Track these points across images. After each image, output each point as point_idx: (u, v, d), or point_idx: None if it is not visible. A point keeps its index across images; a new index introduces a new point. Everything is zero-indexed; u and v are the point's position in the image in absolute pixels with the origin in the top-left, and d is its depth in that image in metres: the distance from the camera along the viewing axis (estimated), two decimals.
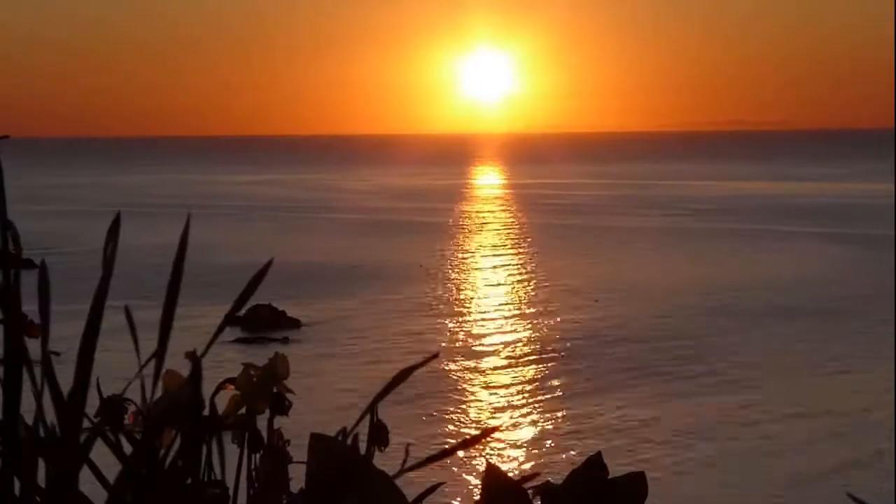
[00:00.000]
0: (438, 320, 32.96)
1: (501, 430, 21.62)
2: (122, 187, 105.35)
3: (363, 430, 2.16)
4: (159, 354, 1.86)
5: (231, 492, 2.08)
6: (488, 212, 75.72)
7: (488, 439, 20.64)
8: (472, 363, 27.33)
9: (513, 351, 29.08)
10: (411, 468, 1.92)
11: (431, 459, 1.84)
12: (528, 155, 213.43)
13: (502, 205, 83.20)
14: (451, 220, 67.41)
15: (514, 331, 31.81)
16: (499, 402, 24.10)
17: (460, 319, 33.20)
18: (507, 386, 25.51)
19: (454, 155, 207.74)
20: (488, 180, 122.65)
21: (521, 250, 52.32)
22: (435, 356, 1.94)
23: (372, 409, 2.10)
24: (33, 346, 1.87)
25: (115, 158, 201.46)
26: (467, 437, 1.84)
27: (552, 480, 2.76)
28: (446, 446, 1.84)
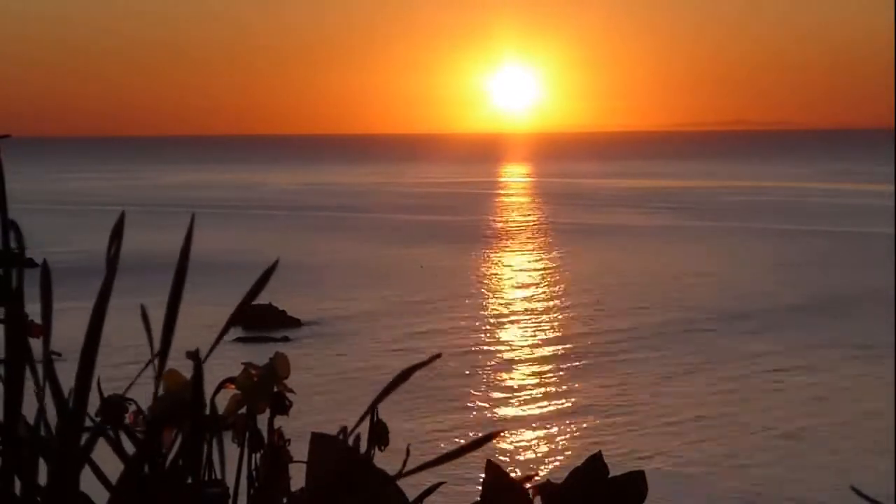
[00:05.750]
0: (439, 320, 32.95)
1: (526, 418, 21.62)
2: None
3: (364, 429, 2.17)
4: (162, 354, 1.86)
5: (231, 491, 2.08)
6: (490, 211, 75.70)
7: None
8: (473, 363, 27.33)
9: (511, 349, 29.08)
10: (410, 472, 1.92)
11: (430, 464, 1.84)
12: (536, 154, 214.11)
13: (503, 204, 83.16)
14: (452, 221, 67.38)
15: (513, 329, 31.80)
16: (499, 401, 24.11)
17: (459, 319, 33.19)
18: (506, 383, 25.52)
19: (476, 154, 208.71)
20: (494, 178, 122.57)
21: (520, 249, 52.30)
22: (437, 356, 1.94)
23: (373, 409, 2.11)
24: (35, 346, 1.87)
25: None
26: (465, 442, 1.83)
27: (552, 479, 2.77)
28: (446, 448, 1.84)
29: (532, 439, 21.32)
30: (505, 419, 22.59)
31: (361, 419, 2.04)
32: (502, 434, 21.11)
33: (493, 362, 27.58)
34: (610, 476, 2.82)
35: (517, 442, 21.11)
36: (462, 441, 1.90)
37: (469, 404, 23.67)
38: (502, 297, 37.66)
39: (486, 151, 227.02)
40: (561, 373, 26.50)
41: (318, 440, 2.32)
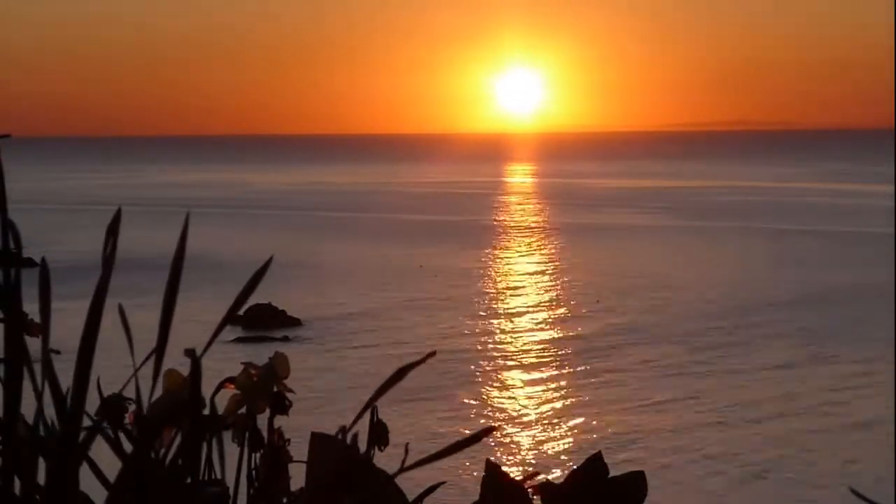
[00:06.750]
0: (439, 319, 32.95)
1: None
2: None
3: (363, 428, 2.17)
4: (158, 353, 1.86)
5: (231, 491, 2.08)
6: (491, 211, 75.71)
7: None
8: (472, 361, 27.33)
9: (510, 347, 29.09)
10: (410, 468, 1.92)
11: (429, 459, 1.84)
12: (540, 154, 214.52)
13: (505, 204, 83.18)
14: (453, 221, 67.39)
15: (513, 327, 31.81)
16: (497, 399, 24.11)
17: (459, 318, 33.19)
18: (503, 381, 25.53)
19: (480, 154, 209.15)
20: (497, 178, 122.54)
21: (520, 249, 52.32)
22: (432, 354, 1.94)
23: (369, 407, 2.10)
24: (34, 345, 1.87)
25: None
26: (465, 436, 1.83)
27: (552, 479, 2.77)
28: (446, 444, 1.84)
29: (529, 438, 21.32)
30: (502, 417, 22.59)
31: (358, 417, 2.03)
32: (500, 432, 21.10)
33: (491, 360, 27.57)
34: (610, 476, 2.82)
35: (515, 440, 21.11)
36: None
37: (467, 402, 23.66)
38: (502, 296, 37.67)
39: (490, 151, 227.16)
40: (559, 371, 26.49)
41: (318, 440, 2.32)
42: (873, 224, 59.43)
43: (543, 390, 24.90)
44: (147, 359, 1.88)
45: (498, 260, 48.18)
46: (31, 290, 1.91)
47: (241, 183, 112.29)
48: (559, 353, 28.50)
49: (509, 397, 24.41)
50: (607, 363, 27.15)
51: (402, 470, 1.97)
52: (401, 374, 1.87)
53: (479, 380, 25.73)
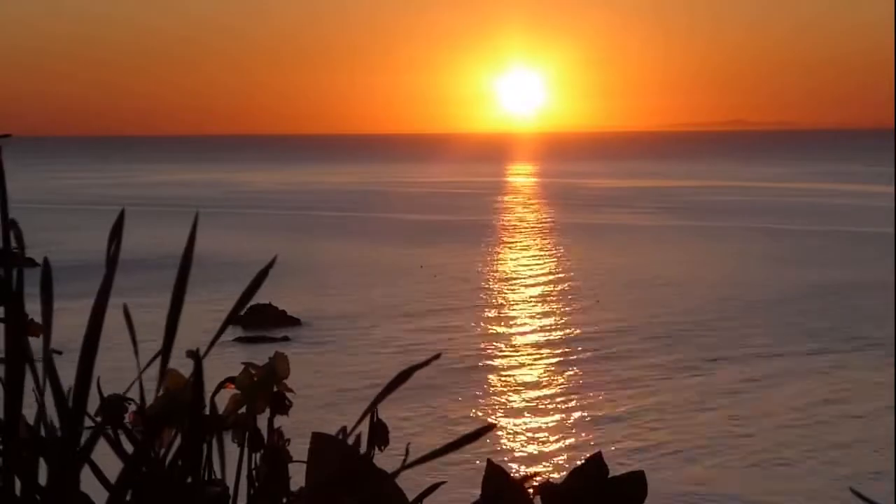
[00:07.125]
0: (439, 319, 32.94)
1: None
2: None
3: (364, 429, 2.17)
4: (164, 354, 1.86)
5: (231, 491, 2.08)
6: (491, 211, 75.72)
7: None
8: (472, 362, 27.34)
9: (510, 347, 29.10)
10: (410, 466, 1.92)
11: (429, 457, 1.85)
12: (541, 154, 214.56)
13: (505, 204, 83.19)
14: (453, 221, 67.40)
15: (512, 327, 31.82)
16: (498, 399, 24.13)
17: (459, 318, 33.18)
18: (504, 381, 25.55)
19: (481, 154, 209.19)
20: (498, 178, 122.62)
21: (520, 249, 52.34)
22: (437, 357, 1.94)
23: (373, 409, 2.11)
24: (35, 345, 1.87)
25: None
26: (463, 435, 1.83)
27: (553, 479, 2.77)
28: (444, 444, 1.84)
29: (530, 438, 21.33)
30: (500, 416, 22.60)
31: (361, 419, 2.04)
32: (498, 431, 21.10)
33: (489, 359, 27.58)
34: (610, 476, 2.82)
35: (515, 440, 21.11)
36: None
37: (465, 400, 23.67)
38: (501, 296, 37.67)
39: (491, 151, 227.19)
40: (559, 371, 26.50)
41: (318, 440, 2.32)
42: (873, 224, 59.45)
43: (542, 389, 24.90)
44: (153, 360, 1.88)
45: (498, 260, 48.19)
46: (31, 289, 1.92)
47: (241, 183, 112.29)
48: (557, 352, 28.50)
49: (507, 396, 24.41)
50: (606, 362, 27.15)
51: (403, 468, 1.97)
52: (404, 376, 1.87)
53: (478, 378, 25.74)
